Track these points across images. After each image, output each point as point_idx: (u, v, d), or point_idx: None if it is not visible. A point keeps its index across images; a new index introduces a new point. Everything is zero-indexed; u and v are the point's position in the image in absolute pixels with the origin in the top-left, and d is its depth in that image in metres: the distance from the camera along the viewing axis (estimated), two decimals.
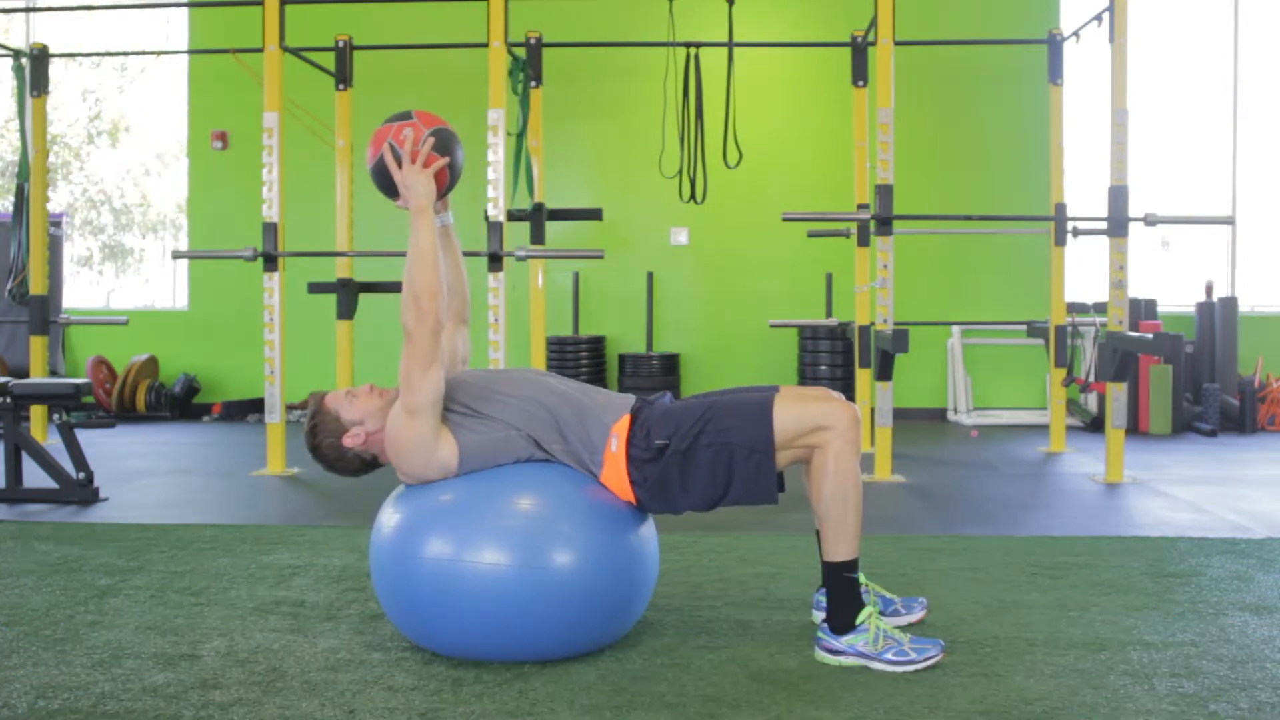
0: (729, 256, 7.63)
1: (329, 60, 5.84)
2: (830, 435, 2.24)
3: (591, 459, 2.32)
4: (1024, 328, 6.29)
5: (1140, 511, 4.07)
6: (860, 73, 5.77)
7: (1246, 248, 7.70)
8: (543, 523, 2.21)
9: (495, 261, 4.81)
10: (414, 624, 2.28)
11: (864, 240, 5.72)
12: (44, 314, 5.97)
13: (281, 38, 5.10)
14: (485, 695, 2.06)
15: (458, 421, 2.30)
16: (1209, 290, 7.16)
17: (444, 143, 2.32)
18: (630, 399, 2.40)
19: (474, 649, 2.23)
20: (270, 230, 4.97)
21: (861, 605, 2.27)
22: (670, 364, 7.36)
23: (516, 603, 2.15)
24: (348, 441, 2.35)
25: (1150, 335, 4.42)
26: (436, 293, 2.22)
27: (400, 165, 2.28)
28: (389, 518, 2.30)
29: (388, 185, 2.33)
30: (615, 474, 2.30)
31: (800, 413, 2.26)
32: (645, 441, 2.29)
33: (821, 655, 2.27)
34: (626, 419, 2.32)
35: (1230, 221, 5.75)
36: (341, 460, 2.39)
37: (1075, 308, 6.09)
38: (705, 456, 2.26)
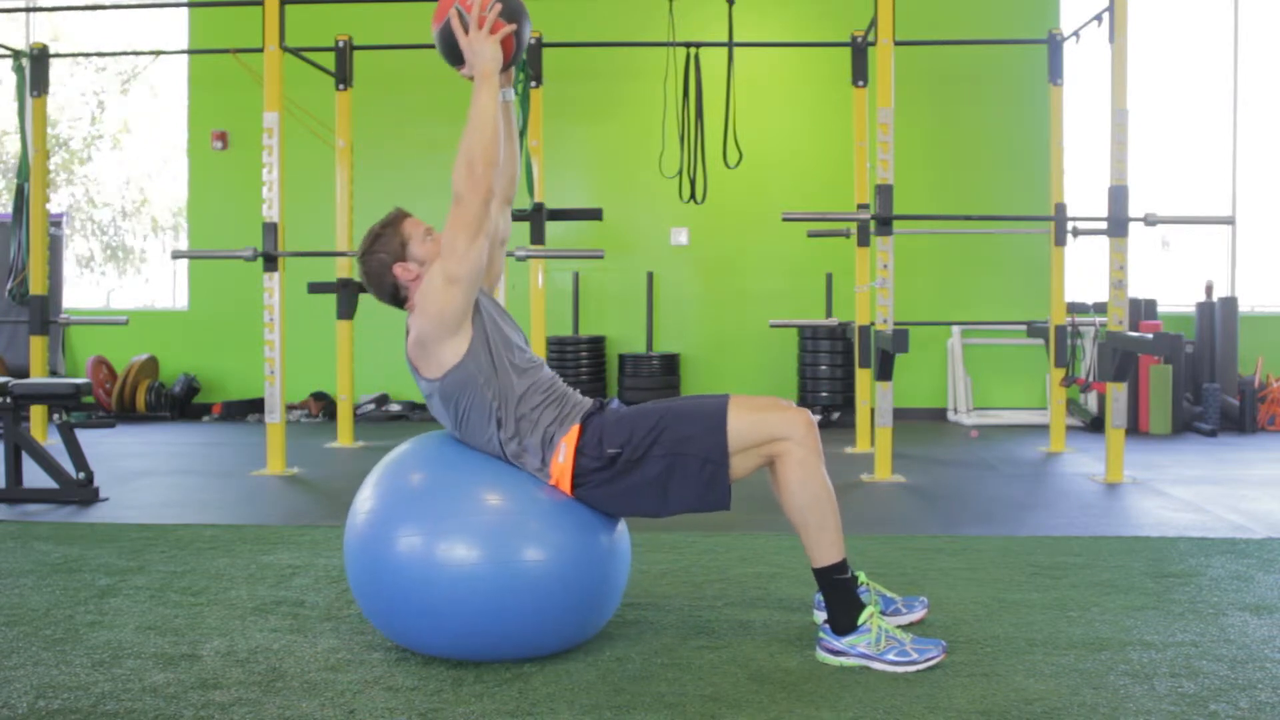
0: (729, 256, 7.63)
1: (329, 60, 5.85)
2: (790, 445, 2.24)
3: (540, 470, 2.30)
4: (1024, 328, 6.29)
5: (1140, 511, 4.07)
6: (860, 73, 5.77)
7: (1246, 248, 7.70)
8: (513, 518, 2.21)
9: None
10: (389, 622, 2.27)
11: (864, 240, 5.72)
12: (44, 314, 5.97)
13: (281, 38, 5.10)
14: (485, 695, 2.06)
15: (480, 345, 2.29)
16: (1209, 290, 7.16)
17: (511, 10, 2.28)
18: (584, 406, 2.36)
19: (449, 647, 2.23)
20: (270, 230, 4.97)
21: (861, 605, 2.26)
22: (670, 364, 7.35)
23: (488, 599, 2.14)
24: (398, 270, 2.35)
25: (1150, 335, 4.42)
26: (493, 161, 2.20)
27: (466, 31, 2.26)
28: (359, 513, 2.29)
29: (453, 51, 2.29)
30: (561, 483, 2.28)
31: (754, 422, 2.26)
32: (597, 449, 2.27)
33: (823, 656, 2.26)
34: (575, 429, 2.30)
35: (1230, 221, 5.75)
36: (380, 280, 2.38)
37: (1075, 308, 6.10)
38: (659, 466, 2.25)
